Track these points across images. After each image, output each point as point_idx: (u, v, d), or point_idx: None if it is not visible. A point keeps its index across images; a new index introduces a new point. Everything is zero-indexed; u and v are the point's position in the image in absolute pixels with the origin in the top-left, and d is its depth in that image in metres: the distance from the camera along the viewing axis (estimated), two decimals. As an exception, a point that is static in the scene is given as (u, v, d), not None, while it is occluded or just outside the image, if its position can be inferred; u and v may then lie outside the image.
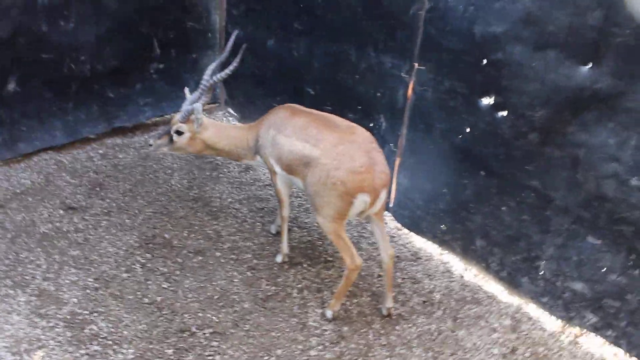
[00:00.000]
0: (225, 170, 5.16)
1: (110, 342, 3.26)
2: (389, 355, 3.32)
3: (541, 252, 3.63)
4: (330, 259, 4.12)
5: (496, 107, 3.65)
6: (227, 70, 3.73)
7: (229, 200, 4.75)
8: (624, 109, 3.09)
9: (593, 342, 3.48)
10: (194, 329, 3.39)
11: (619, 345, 3.41)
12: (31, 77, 4.80)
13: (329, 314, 3.56)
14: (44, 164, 4.96)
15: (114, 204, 4.52)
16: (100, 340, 3.27)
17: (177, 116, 3.82)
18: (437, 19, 3.83)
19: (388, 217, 4.55)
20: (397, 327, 3.53)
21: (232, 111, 6.07)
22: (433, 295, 3.83)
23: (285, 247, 4.04)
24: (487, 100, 3.69)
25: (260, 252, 4.12)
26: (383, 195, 3.37)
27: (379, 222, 3.55)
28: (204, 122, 3.80)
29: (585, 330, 3.53)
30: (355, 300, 3.73)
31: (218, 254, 4.08)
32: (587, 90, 3.21)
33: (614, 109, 3.13)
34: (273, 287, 3.79)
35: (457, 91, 3.85)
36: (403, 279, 3.97)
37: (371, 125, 4.45)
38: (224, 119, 5.97)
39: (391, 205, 4.57)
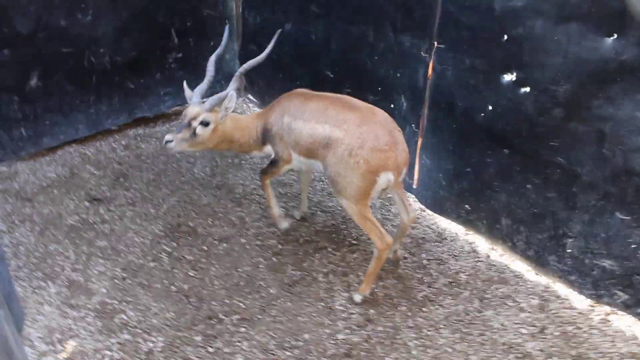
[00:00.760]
0: (247, 157, 5.17)
1: (139, 331, 3.30)
2: (417, 337, 3.31)
3: (568, 229, 3.57)
4: (355, 242, 4.11)
5: (518, 83, 3.58)
6: (254, 61, 3.73)
7: (252, 186, 4.77)
8: (653, 80, 3.01)
9: (624, 321, 3.42)
10: (221, 316, 3.42)
11: (651, 323, 3.35)
12: (52, 71, 4.86)
13: (358, 297, 3.55)
14: (69, 157, 5.03)
15: (138, 194, 4.57)
16: (130, 328, 3.32)
17: (199, 107, 3.61)
18: (456, -5, 3.77)
19: (411, 198, 4.52)
20: (424, 309, 3.52)
21: (252, 97, 6.07)
22: (459, 275, 3.80)
23: (276, 210, 4.07)
24: (508, 77, 3.62)
25: (285, 238, 4.13)
26: (404, 172, 3.49)
27: (399, 189, 3.66)
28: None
29: (615, 308, 3.48)
30: (382, 283, 3.72)
31: (243, 240, 4.10)
32: (612, 62, 3.12)
33: (641, 81, 3.05)
34: (299, 272, 3.80)
35: (478, 68, 3.78)
36: (429, 260, 3.95)
37: (392, 106, 4.41)
38: (245, 105, 5.97)
39: (414, 186, 4.54)
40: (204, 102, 3.64)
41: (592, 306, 3.54)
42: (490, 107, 3.78)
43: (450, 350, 3.23)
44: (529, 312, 3.50)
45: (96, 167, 4.91)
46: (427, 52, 4.08)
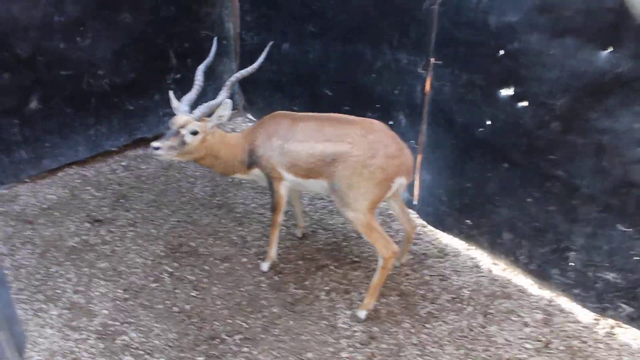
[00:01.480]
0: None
1: (142, 352, 3.28)
2: (421, 354, 3.29)
3: (570, 242, 3.56)
4: (357, 259, 4.10)
5: (516, 97, 3.59)
6: (245, 71, 3.70)
7: (253, 205, 4.77)
8: (649, 92, 3.03)
9: (629, 334, 3.41)
10: (224, 336, 3.40)
11: (656, 336, 3.34)
12: (52, 94, 4.89)
13: (362, 314, 3.53)
14: (69, 179, 5.04)
15: (139, 215, 4.57)
16: (132, 350, 3.29)
17: (187, 116, 3.52)
18: (451, 11, 3.80)
19: (413, 215, 4.52)
20: (427, 326, 3.50)
21: (251, 117, 6.09)
22: (462, 291, 3.79)
23: (274, 253, 3.98)
24: (506, 91, 3.64)
25: (287, 256, 4.12)
26: (412, 177, 3.58)
27: (397, 199, 3.78)
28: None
29: (620, 321, 3.46)
30: (384, 300, 3.70)
31: (244, 259, 4.09)
32: (608, 74, 3.14)
33: (638, 92, 3.06)
34: (301, 291, 3.79)
35: (475, 84, 3.81)
36: (431, 276, 3.93)
37: (391, 122, 4.42)
38: (244, 125, 5.99)
39: (415, 202, 4.54)
40: (192, 112, 3.56)
41: (596, 320, 3.52)
42: (488, 122, 3.79)
43: (455, 366, 3.21)
44: (533, 326, 3.48)
45: (96, 188, 4.91)
46: (425, 68, 4.11)
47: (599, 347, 3.33)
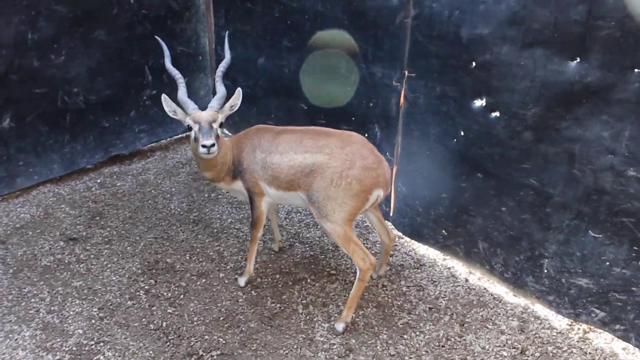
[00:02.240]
0: (224, 191, 5.16)
1: (117, 371, 3.24)
2: (399, 365, 3.29)
3: (544, 250, 3.60)
4: (334, 272, 4.10)
5: (488, 108, 3.65)
6: (224, 64, 3.70)
7: (230, 220, 4.75)
8: (616, 101, 3.08)
9: (602, 338, 3.45)
10: (201, 352, 3.37)
11: (628, 340, 3.37)
12: (26, 112, 4.85)
13: (340, 327, 3.52)
14: (43, 197, 4.98)
15: (115, 232, 4.52)
16: (108, 369, 3.25)
17: (213, 111, 3.48)
18: (424, 25, 3.85)
19: (389, 226, 4.53)
20: (405, 336, 3.50)
21: (227, 132, 6.08)
22: (439, 301, 3.80)
23: (251, 268, 3.97)
24: (479, 102, 3.69)
25: (264, 271, 4.11)
26: (389, 189, 3.59)
27: (377, 211, 3.82)
28: None
29: (593, 325, 3.50)
30: (362, 312, 3.70)
31: (221, 275, 4.06)
32: (577, 84, 3.21)
33: (606, 101, 3.12)
34: (278, 305, 3.77)
35: (448, 95, 3.85)
36: (408, 286, 3.94)
37: (366, 135, 4.45)
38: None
39: (391, 214, 4.56)
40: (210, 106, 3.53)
41: (570, 325, 3.56)
42: (462, 133, 3.84)
43: (433, 376, 3.21)
44: (509, 334, 3.51)
45: (71, 206, 4.86)
46: (399, 81, 4.15)
47: (573, 352, 3.36)
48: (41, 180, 5.11)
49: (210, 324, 3.60)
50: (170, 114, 3.55)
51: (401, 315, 3.68)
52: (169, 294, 3.85)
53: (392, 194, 4.47)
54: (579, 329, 3.53)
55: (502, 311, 3.70)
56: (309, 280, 4.01)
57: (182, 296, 3.84)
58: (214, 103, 3.52)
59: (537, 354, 3.34)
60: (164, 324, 3.59)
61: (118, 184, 5.26)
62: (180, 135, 6.22)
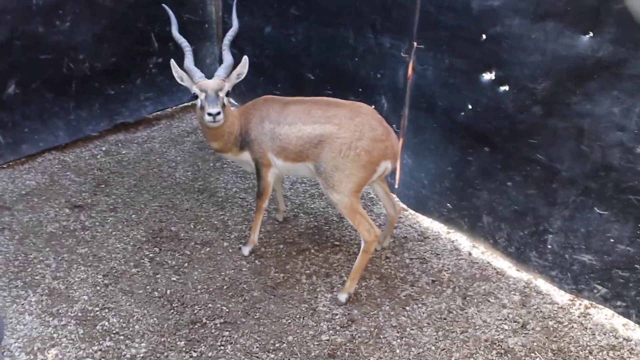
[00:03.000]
0: (229, 161, 5.15)
1: (122, 337, 3.27)
2: (400, 337, 3.31)
3: (549, 225, 3.59)
4: (338, 243, 4.11)
5: (497, 81, 3.60)
6: (231, 32, 3.67)
7: (234, 189, 4.75)
8: (628, 76, 3.04)
9: (603, 314, 3.46)
10: (204, 320, 3.40)
11: (629, 316, 3.38)
12: (31, 79, 4.82)
13: (343, 297, 3.54)
14: (48, 164, 4.98)
15: (120, 200, 4.54)
16: (113, 335, 3.28)
17: (219, 79, 3.43)
18: (434, -5, 3.79)
19: (394, 198, 4.53)
20: (407, 308, 3.52)
21: (233, 101, 6.05)
22: (442, 274, 3.82)
23: (255, 237, 3.98)
24: (488, 76, 3.64)
25: (268, 240, 4.12)
26: (397, 161, 3.59)
27: (382, 183, 3.81)
28: None
29: (594, 301, 3.51)
30: (365, 283, 3.72)
31: (225, 244, 4.08)
32: (589, 59, 3.16)
33: (617, 77, 3.08)
34: (282, 274, 3.79)
35: (457, 68, 3.80)
36: (411, 259, 3.95)
37: (373, 106, 4.38)
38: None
39: (396, 186, 4.55)
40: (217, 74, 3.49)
41: (572, 300, 3.57)
42: (470, 106, 3.80)
43: (433, 348, 3.23)
44: (511, 308, 3.52)
45: (76, 173, 4.87)
46: (407, 52, 4.10)
47: (574, 327, 3.38)
48: (46, 147, 5.11)
49: (213, 292, 3.63)
50: (178, 80, 3.52)
51: (404, 287, 3.70)
52: (173, 262, 3.87)
53: (398, 166, 4.45)
54: (580, 304, 3.54)
55: (505, 285, 3.71)
56: (312, 251, 4.02)
57: (186, 264, 3.86)
58: (221, 71, 3.49)
59: (538, 328, 3.36)
60: (168, 291, 3.62)
61: (123, 152, 5.26)
62: (185, 104, 6.19)
